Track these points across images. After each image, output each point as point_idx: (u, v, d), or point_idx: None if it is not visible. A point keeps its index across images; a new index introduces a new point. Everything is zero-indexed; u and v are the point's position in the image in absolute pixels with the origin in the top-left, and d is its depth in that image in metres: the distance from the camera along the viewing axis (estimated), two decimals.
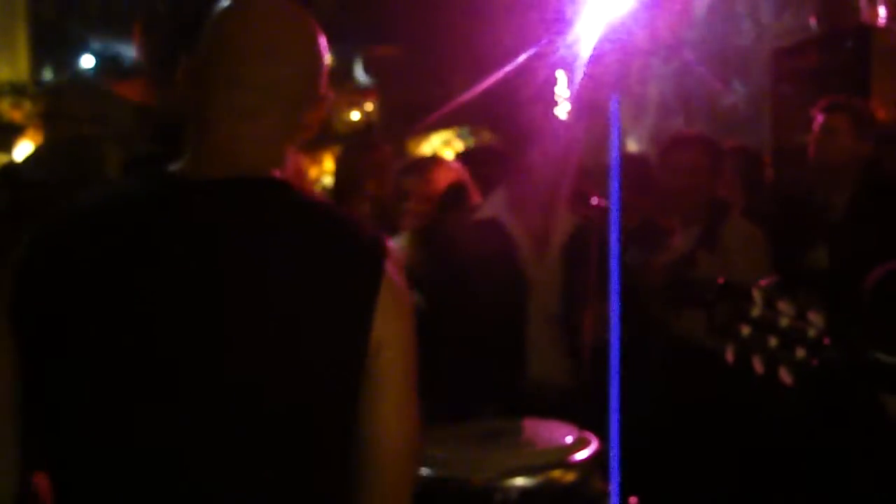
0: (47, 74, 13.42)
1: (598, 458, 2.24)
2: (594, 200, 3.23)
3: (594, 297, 2.84)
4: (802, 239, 3.78)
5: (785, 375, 1.56)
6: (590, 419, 2.16)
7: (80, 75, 14.25)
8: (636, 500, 2.20)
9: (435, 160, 3.69)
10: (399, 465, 1.51)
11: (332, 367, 1.45)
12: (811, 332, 1.57)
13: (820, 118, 3.77)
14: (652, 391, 3.16)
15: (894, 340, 1.63)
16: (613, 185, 1.29)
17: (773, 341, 1.57)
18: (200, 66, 1.52)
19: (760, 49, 7.26)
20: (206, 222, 1.45)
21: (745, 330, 1.58)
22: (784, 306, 1.58)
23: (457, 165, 3.65)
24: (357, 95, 15.81)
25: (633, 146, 9.30)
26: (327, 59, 1.57)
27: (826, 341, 1.56)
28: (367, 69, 15.98)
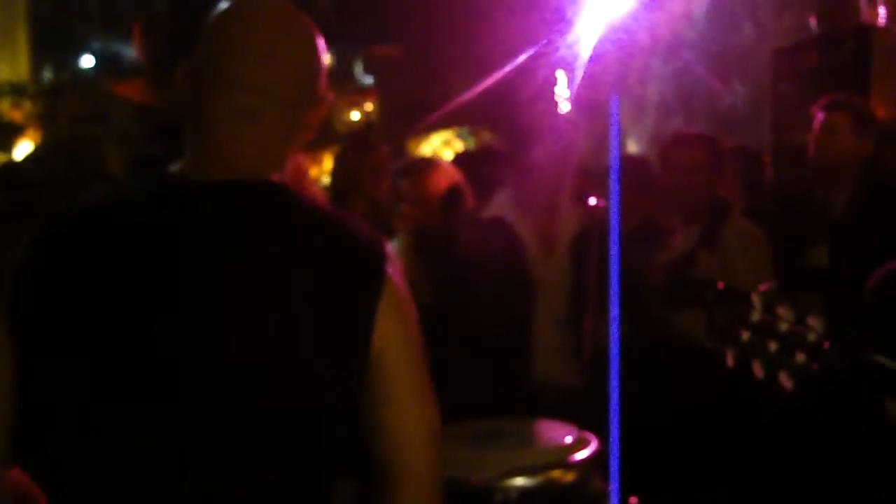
0: (47, 74, 13.41)
1: (598, 458, 2.24)
2: (593, 200, 3.23)
3: (598, 297, 2.84)
4: (803, 238, 3.78)
5: (785, 380, 1.56)
6: (595, 420, 2.16)
7: (80, 75, 14.25)
8: (636, 500, 2.19)
9: (430, 163, 3.68)
10: (420, 463, 1.51)
11: (333, 369, 1.45)
12: (811, 337, 1.57)
13: (820, 116, 3.76)
14: (652, 391, 3.16)
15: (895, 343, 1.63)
16: (613, 185, 1.29)
17: (772, 346, 1.57)
18: (199, 66, 1.52)
19: (760, 49, 7.26)
20: (205, 224, 1.45)
21: (745, 335, 1.58)
22: (783, 311, 1.58)
23: (452, 168, 3.65)
24: (357, 95, 15.83)
25: (633, 146, 9.30)
26: (326, 60, 1.57)
27: (826, 345, 1.56)
28: (367, 69, 15.99)
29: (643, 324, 3.20)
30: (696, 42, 7.93)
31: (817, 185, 3.84)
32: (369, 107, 15.95)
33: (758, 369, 1.58)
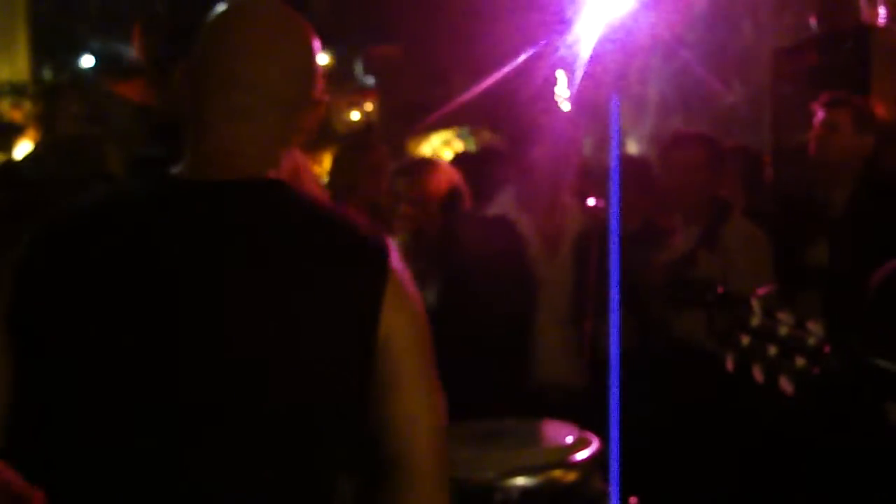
0: (47, 74, 13.41)
1: (599, 458, 2.24)
2: (591, 201, 3.23)
3: (600, 297, 2.85)
4: (802, 236, 3.77)
5: (785, 384, 1.56)
6: (597, 420, 2.16)
7: (80, 75, 14.25)
8: (636, 500, 2.19)
9: (428, 163, 3.67)
10: (429, 455, 1.51)
11: (335, 367, 1.45)
12: (811, 341, 1.57)
13: (821, 114, 3.75)
14: (652, 391, 3.16)
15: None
16: (613, 186, 1.29)
17: (772, 350, 1.57)
18: (196, 67, 1.53)
19: (760, 49, 7.25)
20: (205, 224, 1.45)
21: (745, 339, 1.58)
22: (783, 315, 1.58)
23: (451, 168, 3.64)
24: (357, 95, 15.81)
25: (633, 146, 9.30)
26: (322, 62, 1.58)
27: (826, 349, 1.56)
28: (367, 69, 15.99)
29: (644, 324, 3.20)
30: (696, 42, 7.93)
31: (817, 184, 3.83)
32: (369, 107, 15.93)
33: (758, 373, 1.57)
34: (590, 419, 2.23)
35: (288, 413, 1.43)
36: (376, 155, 4.45)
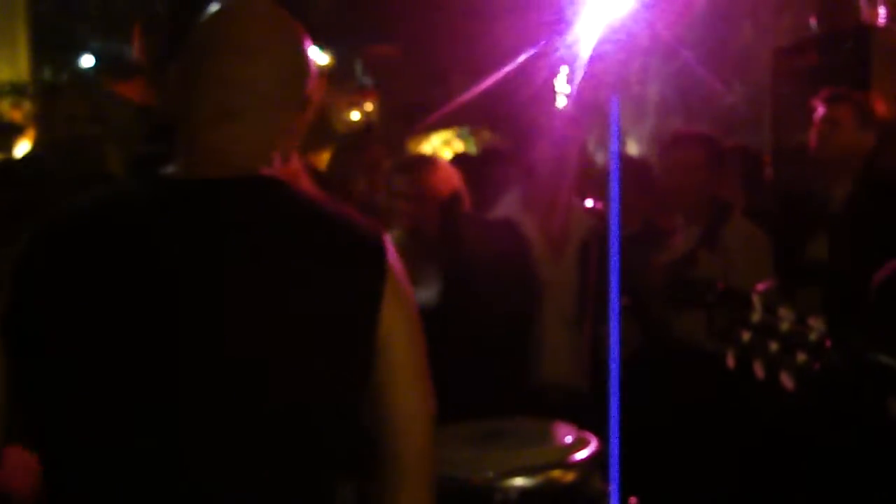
0: (47, 74, 13.40)
1: (598, 458, 2.24)
2: (590, 202, 3.23)
3: (602, 298, 2.84)
4: (802, 231, 3.76)
5: (786, 380, 1.56)
6: (599, 421, 2.16)
7: (80, 75, 14.24)
8: (636, 500, 2.19)
9: (427, 160, 3.66)
10: (419, 449, 1.53)
11: (335, 365, 1.45)
12: (812, 337, 1.56)
13: (821, 110, 3.73)
14: (652, 392, 3.16)
15: None
16: (613, 186, 1.29)
17: (773, 346, 1.57)
18: (187, 67, 1.54)
19: (760, 49, 7.25)
20: (201, 222, 1.45)
21: (746, 335, 1.58)
22: (784, 311, 1.58)
23: (448, 165, 3.64)
24: (357, 95, 15.79)
25: (633, 146, 9.30)
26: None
27: (827, 345, 1.56)
28: (367, 69, 15.97)
29: (644, 325, 3.20)
30: (696, 42, 7.93)
31: (817, 179, 3.82)
32: (369, 107, 15.91)
33: (759, 369, 1.57)
34: (592, 420, 2.23)
35: (287, 412, 1.43)
36: (372, 154, 4.46)
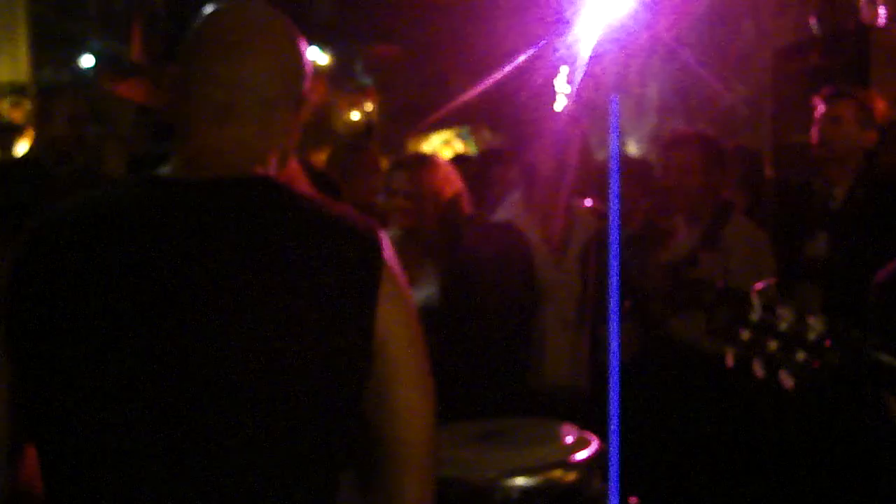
0: (47, 74, 13.40)
1: (599, 458, 2.24)
2: (589, 202, 3.23)
3: (603, 299, 2.84)
4: (803, 227, 3.76)
5: (785, 379, 1.56)
6: (599, 421, 2.16)
7: (80, 75, 14.26)
8: (636, 500, 2.20)
9: (426, 159, 3.66)
10: (421, 445, 1.53)
11: (333, 360, 1.45)
12: (811, 335, 1.56)
13: (824, 107, 3.71)
14: (653, 392, 3.16)
15: None
16: (613, 187, 1.28)
17: (772, 345, 1.57)
18: (183, 68, 1.55)
19: (760, 49, 7.26)
20: (196, 222, 1.45)
21: (745, 334, 1.58)
22: (783, 310, 1.57)
23: (447, 164, 3.64)
24: (357, 95, 15.80)
25: (633, 146, 9.31)
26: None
27: (827, 343, 1.56)
28: (367, 69, 15.98)
29: (645, 326, 3.20)
30: (696, 42, 7.93)
31: (819, 176, 3.82)
32: (369, 107, 15.92)
33: (758, 368, 1.57)
34: (592, 420, 2.23)
35: (287, 409, 1.43)
36: (369, 156, 4.47)
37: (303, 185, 2.05)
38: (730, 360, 1.58)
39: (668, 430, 3.24)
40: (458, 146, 13.09)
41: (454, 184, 3.42)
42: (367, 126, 15.27)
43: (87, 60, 14.73)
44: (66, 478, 1.45)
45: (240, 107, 1.51)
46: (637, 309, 3.12)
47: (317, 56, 14.00)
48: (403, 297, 1.52)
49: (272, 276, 1.43)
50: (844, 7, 5.44)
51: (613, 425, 1.28)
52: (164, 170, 1.52)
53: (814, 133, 3.72)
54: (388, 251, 1.51)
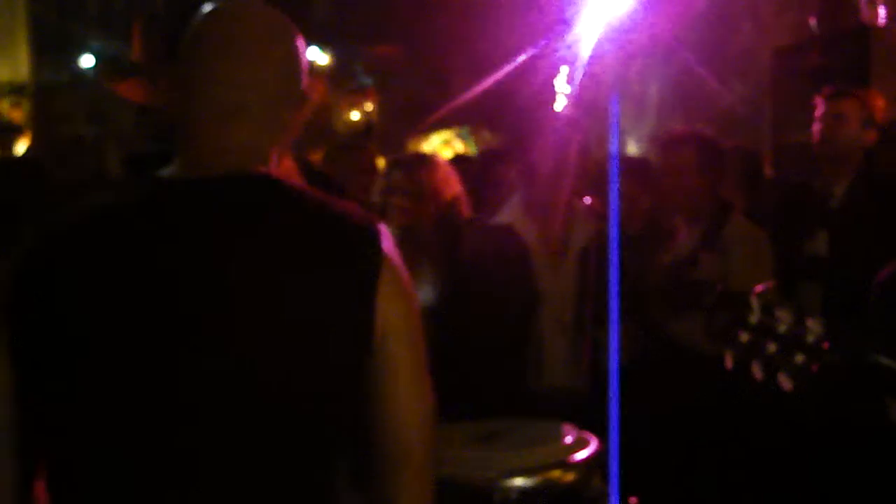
0: (47, 74, 13.41)
1: (598, 458, 2.24)
2: (587, 200, 3.22)
3: (603, 301, 2.84)
4: (803, 227, 3.75)
5: (784, 381, 1.56)
6: (599, 422, 2.17)
7: (80, 75, 14.26)
8: (636, 500, 2.19)
9: (425, 158, 3.66)
10: (420, 442, 1.53)
11: (337, 356, 1.45)
12: (810, 338, 1.56)
13: (825, 105, 3.71)
14: (652, 393, 3.16)
15: None
16: (613, 187, 1.29)
17: (771, 347, 1.57)
18: (184, 68, 1.55)
19: (760, 49, 7.26)
20: (199, 221, 1.46)
21: (744, 336, 1.58)
22: (782, 312, 1.58)
23: (446, 163, 3.64)
24: (357, 95, 15.81)
25: (633, 146, 9.31)
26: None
27: (826, 346, 1.56)
28: (367, 69, 15.98)
29: (644, 327, 3.20)
30: (696, 42, 7.93)
31: (818, 175, 3.81)
32: (369, 107, 15.93)
33: (757, 371, 1.57)
34: (592, 420, 2.23)
35: (289, 406, 1.43)
36: (366, 156, 4.46)
37: (296, 180, 2.05)
38: (729, 363, 1.58)
39: (668, 432, 3.24)
40: (458, 146, 13.10)
41: (453, 185, 3.42)
42: (366, 126, 15.28)
43: (87, 60, 14.74)
44: (70, 482, 1.45)
45: (246, 106, 1.52)
46: (636, 308, 3.12)
47: (317, 56, 14.01)
48: (404, 290, 1.52)
49: (273, 271, 1.43)
50: (844, 7, 5.44)
51: (613, 426, 1.28)
52: (168, 170, 1.52)
53: (815, 131, 3.71)
54: (389, 244, 1.51)
